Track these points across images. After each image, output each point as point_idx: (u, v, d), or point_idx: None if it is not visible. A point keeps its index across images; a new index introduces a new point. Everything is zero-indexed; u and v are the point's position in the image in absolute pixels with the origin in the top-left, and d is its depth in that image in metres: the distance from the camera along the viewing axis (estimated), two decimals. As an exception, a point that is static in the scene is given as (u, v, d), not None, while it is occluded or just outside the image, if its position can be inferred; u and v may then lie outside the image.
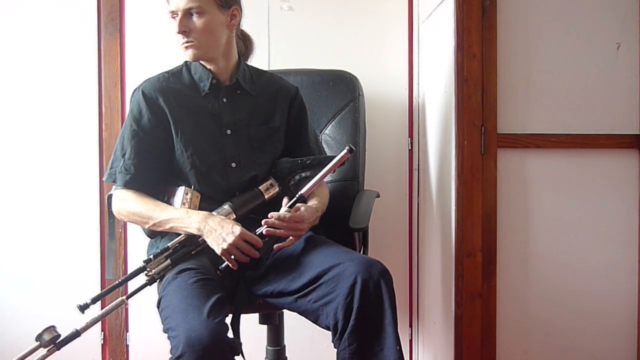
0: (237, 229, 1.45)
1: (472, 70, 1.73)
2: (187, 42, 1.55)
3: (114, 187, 1.61)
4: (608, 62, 1.78)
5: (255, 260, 1.47)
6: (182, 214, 1.50)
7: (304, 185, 1.50)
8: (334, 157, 1.49)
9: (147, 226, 1.55)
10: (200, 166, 1.58)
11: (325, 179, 1.57)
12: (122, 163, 1.57)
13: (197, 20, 1.54)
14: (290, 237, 1.48)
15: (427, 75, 2.13)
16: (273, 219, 1.46)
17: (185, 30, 1.54)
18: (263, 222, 1.46)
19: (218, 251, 1.45)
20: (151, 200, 1.55)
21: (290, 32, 2.24)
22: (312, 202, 1.59)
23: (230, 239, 1.44)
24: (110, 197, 1.63)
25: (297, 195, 1.49)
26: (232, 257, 1.44)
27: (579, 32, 1.78)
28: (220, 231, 1.45)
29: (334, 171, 1.55)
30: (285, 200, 1.52)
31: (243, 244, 1.44)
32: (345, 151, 1.44)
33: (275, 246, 1.48)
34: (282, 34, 2.24)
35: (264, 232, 1.46)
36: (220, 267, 1.46)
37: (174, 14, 1.54)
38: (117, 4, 2.20)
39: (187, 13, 1.53)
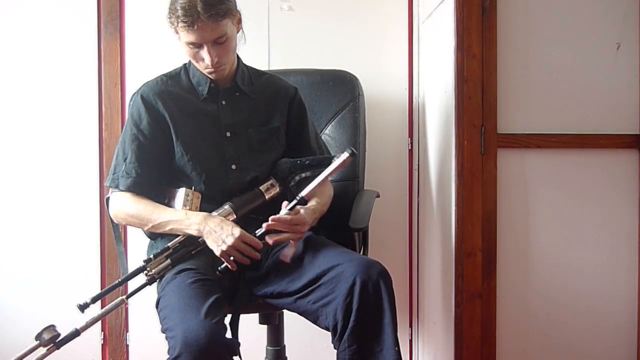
0: (237, 231, 1.44)
1: (472, 70, 1.73)
2: (217, 69, 1.54)
3: (111, 190, 1.61)
4: (608, 62, 1.78)
5: (255, 261, 1.46)
6: (181, 216, 1.50)
7: (305, 186, 1.49)
8: (333, 157, 1.48)
9: (146, 228, 1.55)
10: (200, 169, 1.58)
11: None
12: (123, 167, 1.56)
13: (225, 45, 1.52)
14: (292, 241, 1.47)
15: (427, 75, 2.12)
16: (274, 222, 1.44)
17: (216, 59, 1.52)
18: (264, 225, 1.45)
19: (217, 252, 1.45)
20: (149, 202, 1.55)
21: (290, 32, 2.24)
22: (310, 204, 1.58)
23: (229, 240, 1.43)
24: (108, 200, 1.63)
25: (297, 198, 1.48)
26: (232, 258, 1.44)
27: (579, 32, 1.77)
28: (219, 232, 1.45)
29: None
30: (285, 203, 1.50)
31: (242, 246, 1.44)
32: (347, 155, 1.40)
33: (282, 255, 1.47)
34: (282, 34, 2.24)
35: (270, 243, 1.45)
36: (219, 269, 1.46)
37: (195, 45, 1.50)
38: (117, 4, 2.20)
39: (215, 42, 1.50)
